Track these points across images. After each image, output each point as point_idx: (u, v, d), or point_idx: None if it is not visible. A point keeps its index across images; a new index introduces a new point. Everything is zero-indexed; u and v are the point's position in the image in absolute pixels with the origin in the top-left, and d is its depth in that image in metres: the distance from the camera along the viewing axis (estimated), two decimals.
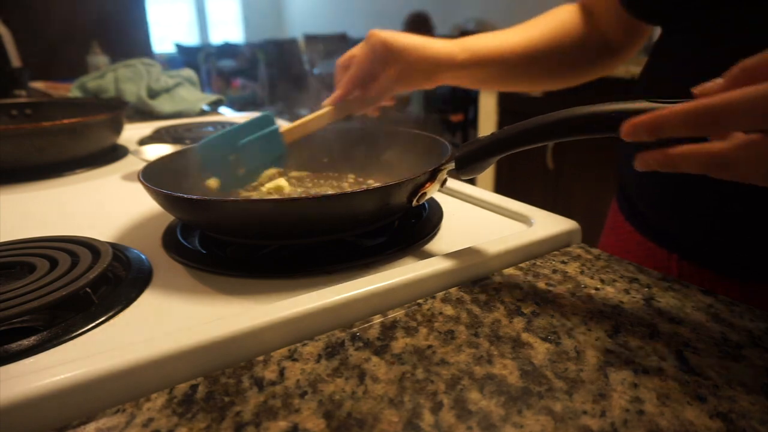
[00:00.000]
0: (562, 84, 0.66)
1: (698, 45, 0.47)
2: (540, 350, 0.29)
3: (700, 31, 0.46)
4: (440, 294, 0.36)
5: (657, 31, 0.55)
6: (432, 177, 0.40)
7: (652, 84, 0.54)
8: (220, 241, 0.43)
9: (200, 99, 1.15)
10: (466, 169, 0.37)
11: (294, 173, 0.58)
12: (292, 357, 0.29)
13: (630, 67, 1.75)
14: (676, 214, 0.50)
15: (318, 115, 0.55)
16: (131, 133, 0.91)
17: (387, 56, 0.54)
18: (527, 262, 0.40)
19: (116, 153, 0.77)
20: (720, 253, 0.48)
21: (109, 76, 1.16)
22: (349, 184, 0.55)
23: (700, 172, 0.27)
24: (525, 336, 0.31)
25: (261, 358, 0.29)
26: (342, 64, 0.58)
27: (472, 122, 3.71)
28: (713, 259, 0.49)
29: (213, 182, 0.52)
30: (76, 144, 0.70)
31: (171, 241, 0.43)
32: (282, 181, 0.53)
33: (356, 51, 0.57)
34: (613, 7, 0.56)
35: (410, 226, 0.45)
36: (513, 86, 0.65)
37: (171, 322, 0.32)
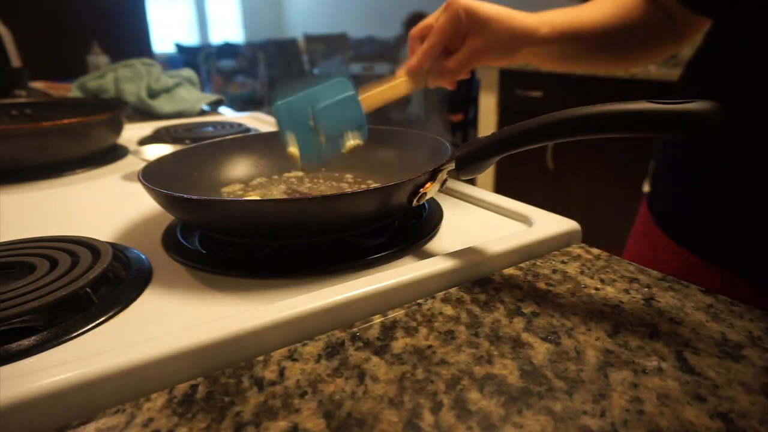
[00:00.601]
0: (630, 64, 0.64)
1: (739, 51, 0.46)
2: (540, 350, 0.29)
3: (744, 34, 0.45)
4: (440, 294, 0.36)
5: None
6: (432, 177, 0.40)
7: (689, 90, 0.53)
8: (220, 241, 0.43)
9: (200, 99, 1.15)
10: (467, 169, 0.37)
11: (293, 173, 0.58)
12: (292, 357, 0.29)
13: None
14: (704, 222, 0.49)
15: (393, 85, 0.52)
16: (131, 133, 0.91)
17: (471, 26, 0.51)
18: (527, 262, 0.40)
19: (116, 153, 0.77)
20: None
21: (109, 76, 1.16)
22: (348, 184, 0.55)
23: None
24: (525, 336, 0.31)
25: (261, 358, 0.29)
26: (417, 35, 0.55)
27: (472, 122, 3.71)
28: (755, 267, 0.47)
29: (294, 150, 0.49)
30: (76, 144, 0.70)
31: (171, 241, 0.43)
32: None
33: (432, 20, 0.53)
34: None
35: (410, 226, 0.45)
36: (585, 65, 0.62)
37: (171, 322, 0.32)
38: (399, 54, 4.33)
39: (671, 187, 0.55)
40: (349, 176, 0.57)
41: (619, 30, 0.58)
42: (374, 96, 0.51)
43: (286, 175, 0.57)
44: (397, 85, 0.52)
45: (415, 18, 3.57)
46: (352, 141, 0.51)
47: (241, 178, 0.55)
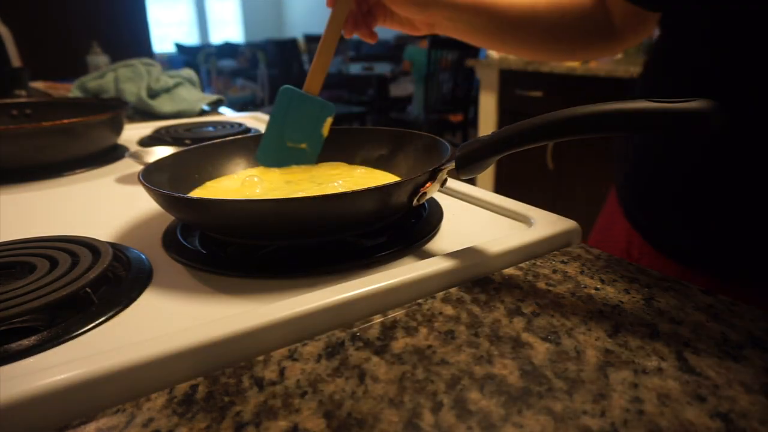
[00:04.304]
0: (555, 56, 0.64)
1: (696, 45, 0.46)
2: (540, 350, 0.29)
3: (697, 23, 0.46)
4: (440, 294, 0.36)
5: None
6: (432, 177, 0.40)
7: (651, 84, 0.54)
8: (220, 241, 0.43)
9: (200, 99, 1.15)
10: (467, 168, 0.37)
11: (293, 174, 0.57)
12: (292, 357, 0.29)
13: (630, 67, 1.75)
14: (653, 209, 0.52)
15: (325, 38, 0.54)
16: (131, 133, 0.91)
17: None
18: (527, 262, 0.40)
19: (116, 153, 0.77)
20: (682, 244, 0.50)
21: (109, 76, 1.16)
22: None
23: None
24: (525, 336, 0.31)
25: (261, 358, 0.29)
26: None
27: (472, 122, 3.72)
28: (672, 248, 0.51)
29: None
30: (76, 144, 0.70)
31: (171, 241, 0.43)
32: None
33: None
34: None
35: (410, 226, 0.45)
36: (507, 45, 0.62)
37: (171, 322, 0.32)
38: (401, 53, 4.33)
39: (655, 196, 0.53)
40: None
41: (550, 17, 0.57)
42: (316, 68, 0.54)
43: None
44: (326, 35, 0.54)
45: None
46: (325, 126, 0.55)
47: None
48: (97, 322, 0.31)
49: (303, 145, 0.55)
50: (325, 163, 0.57)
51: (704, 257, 0.49)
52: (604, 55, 0.63)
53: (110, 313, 0.32)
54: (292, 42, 4.59)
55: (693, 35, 0.47)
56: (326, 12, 0.52)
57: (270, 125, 0.55)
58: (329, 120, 0.56)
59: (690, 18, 0.47)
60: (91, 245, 0.39)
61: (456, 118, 3.78)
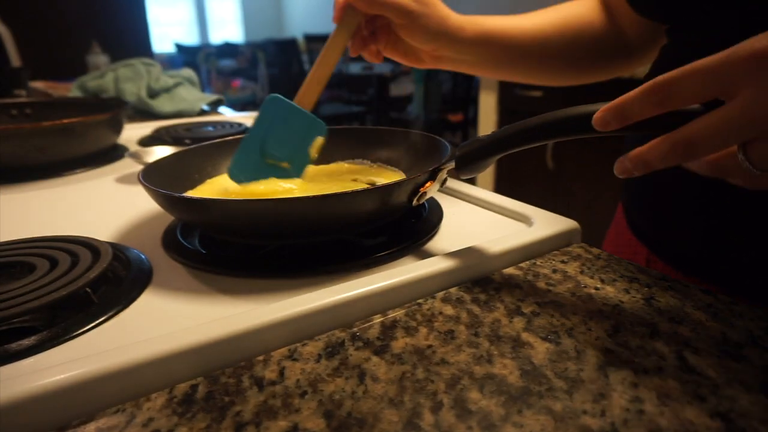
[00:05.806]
0: (572, 79, 0.62)
1: (702, 45, 0.46)
2: (540, 350, 0.29)
3: (703, 32, 0.46)
4: (440, 294, 0.36)
5: None
6: (432, 176, 0.40)
7: None
8: (220, 241, 0.43)
9: (200, 99, 1.15)
10: (466, 168, 0.37)
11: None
12: (292, 357, 0.29)
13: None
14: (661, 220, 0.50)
15: (323, 54, 0.49)
16: (131, 133, 0.91)
17: (409, 6, 0.48)
18: (527, 262, 0.40)
19: (116, 153, 0.77)
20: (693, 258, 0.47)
21: (109, 76, 1.16)
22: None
23: (670, 161, 0.28)
24: (525, 336, 0.31)
25: (261, 357, 0.29)
26: None
27: (472, 122, 3.71)
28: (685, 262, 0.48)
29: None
30: (76, 144, 0.70)
31: (171, 241, 0.43)
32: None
33: None
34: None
35: (410, 226, 0.45)
36: (520, 74, 0.60)
37: (171, 322, 0.32)
38: None
39: (664, 213, 0.51)
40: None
41: (561, 41, 0.56)
42: (312, 80, 0.49)
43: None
44: (327, 49, 0.49)
45: None
46: (313, 146, 0.50)
47: None
48: (97, 322, 0.31)
49: (285, 164, 0.49)
50: (330, 164, 0.57)
51: (706, 267, 0.47)
52: (626, 73, 0.61)
53: (110, 313, 0.32)
54: (292, 42, 4.58)
55: (701, 42, 0.46)
56: (326, 12, 0.51)
57: (248, 137, 0.48)
58: (319, 140, 0.50)
59: (698, 25, 0.45)
60: (91, 245, 0.39)
61: (456, 117, 3.78)
